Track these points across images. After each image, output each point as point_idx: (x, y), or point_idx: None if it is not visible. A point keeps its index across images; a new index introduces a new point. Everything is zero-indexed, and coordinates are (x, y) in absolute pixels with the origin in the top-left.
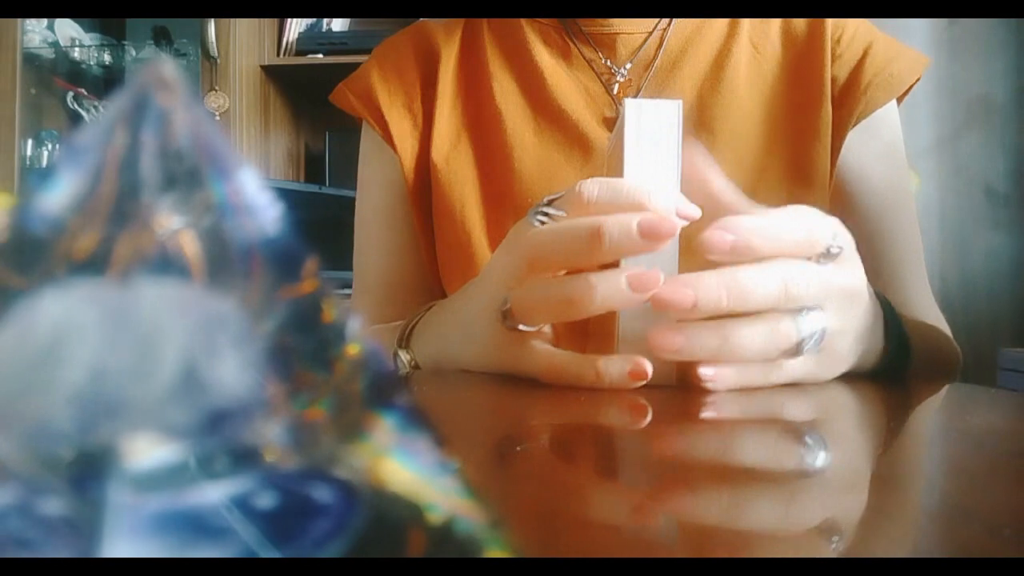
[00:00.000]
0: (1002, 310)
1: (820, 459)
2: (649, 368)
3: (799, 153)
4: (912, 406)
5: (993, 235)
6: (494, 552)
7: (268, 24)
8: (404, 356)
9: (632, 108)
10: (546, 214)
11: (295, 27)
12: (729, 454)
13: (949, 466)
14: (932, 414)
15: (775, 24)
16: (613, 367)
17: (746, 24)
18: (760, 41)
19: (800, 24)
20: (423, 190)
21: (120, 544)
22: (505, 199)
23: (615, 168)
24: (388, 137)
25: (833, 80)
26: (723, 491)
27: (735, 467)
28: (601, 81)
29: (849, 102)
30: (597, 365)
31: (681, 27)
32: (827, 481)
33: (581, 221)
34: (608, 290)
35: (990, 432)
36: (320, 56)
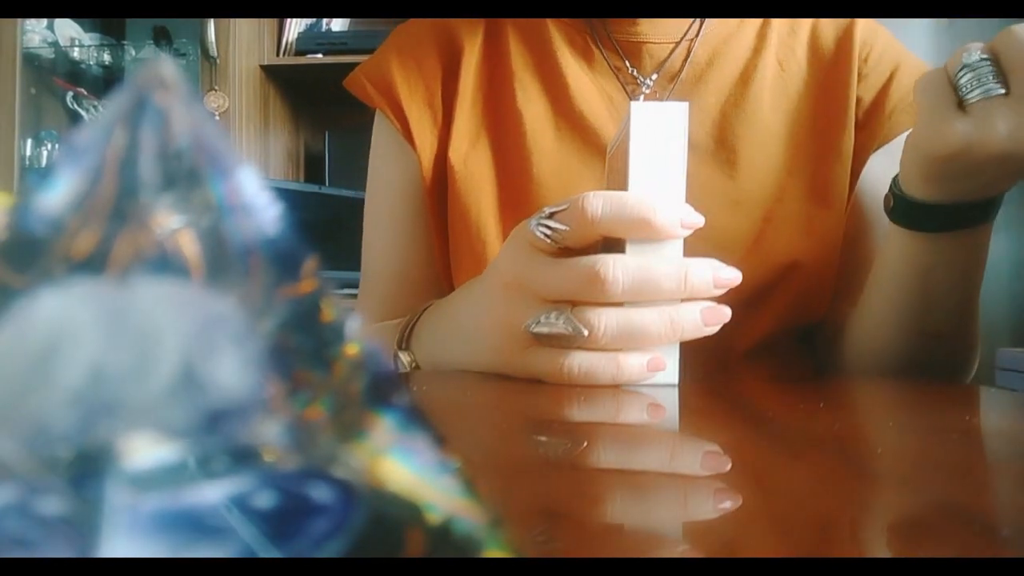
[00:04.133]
0: (1001, 310)
1: (819, 459)
2: (665, 361)
3: (820, 174)
4: (912, 406)
5: (993, 235)
6: (494, 552)
7: (268, 24)
8: (404, 358)
9: (638, 111)
10: (548, 227)
11: (295, 27)
12: (729, 453)
13: (949, 466)
14: (932, 414)
15: (802, 41)
16: (633, 360)
17: (773, 40)
18: (786, 58)
19: (828, 41)
20: (439, 188)
21: (119, 544)
22: (521, 205)
23: (619, 172)
24: (407, 133)
25: (858, 101)
26: (725, 490)
27: (734, 466)
28: (625, 91)
29: (873, 125)
30: (618, 359)
31: (708, 38)
32: (827, 481)
33: (667, 268)
34: (689, 325)
35: (990, 432)
36: (320, 56)
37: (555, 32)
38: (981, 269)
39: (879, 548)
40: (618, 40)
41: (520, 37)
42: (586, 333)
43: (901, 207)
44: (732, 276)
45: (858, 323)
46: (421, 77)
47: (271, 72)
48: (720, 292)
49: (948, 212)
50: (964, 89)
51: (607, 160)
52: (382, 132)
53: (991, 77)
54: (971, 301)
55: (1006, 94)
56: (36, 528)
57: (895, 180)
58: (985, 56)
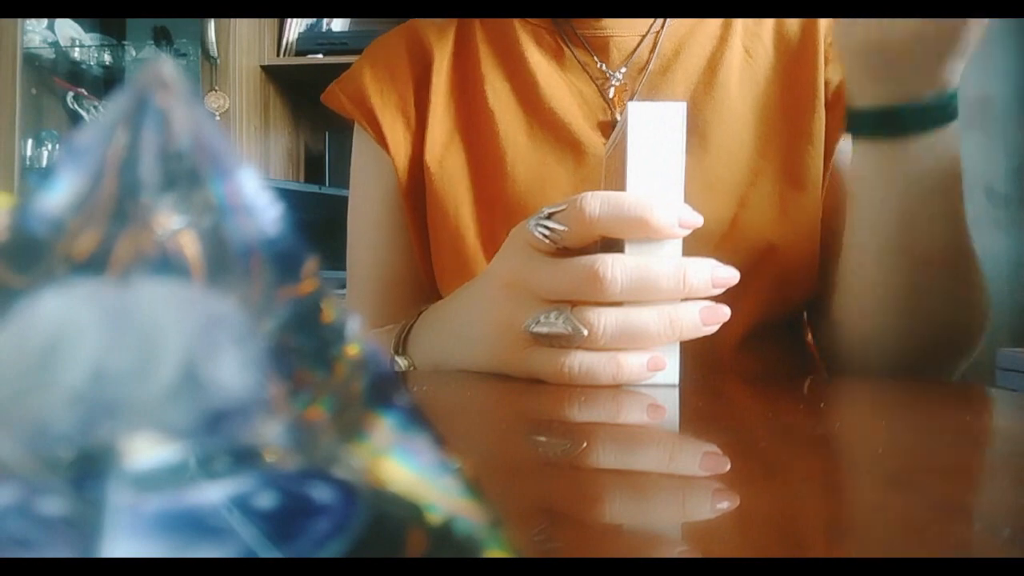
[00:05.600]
0: (1000, 310)
1: (819, 458)
2: (665, 360)
3: (792, 157)
4: (912, 405)
5: (993, 235)
6: (494, 552)
7: (268, 24)
8: (401, 362)
9: (635, 111)
10: (547, 227)
11: (295, 27)
12: (729, 453)
13: (949, 466)
14: (932, 414)
15: (768, 27)
16: (633, 360)
17: (739, 27)
18: (752, 45)
19: (793, 27)
20: (416, 192)
21: (120, 544)
22: (498, 203)
23: (617, 172)
24: (381, 140)
25: (826, 83)
26: (724, 491)
27: (733, 467)
28: (595, 85)
29: (842, 106)
30: (618, 359)
31: (674, 30)
32: (826, 480)
33: (666, 267)
34: (688, 325)
35: (990, 432)
36: (320, 56)
37: (522, 33)
38: (958, 182)
39: (879, 548)
40: (585, 36)
41: (488, 40)
42: (586, 333)
43: (856, 120)
44: (730, 275)
45: (844, 277)
46: (393, 85)
47: (271, 72)
48: (719, 291)
49: (900, 114)
50: None
51: (604, 160)
52: (360, 143)
53: None
54: (956, 223)
55: None
56: (37, 528)
57: (848, 97)
58: None
